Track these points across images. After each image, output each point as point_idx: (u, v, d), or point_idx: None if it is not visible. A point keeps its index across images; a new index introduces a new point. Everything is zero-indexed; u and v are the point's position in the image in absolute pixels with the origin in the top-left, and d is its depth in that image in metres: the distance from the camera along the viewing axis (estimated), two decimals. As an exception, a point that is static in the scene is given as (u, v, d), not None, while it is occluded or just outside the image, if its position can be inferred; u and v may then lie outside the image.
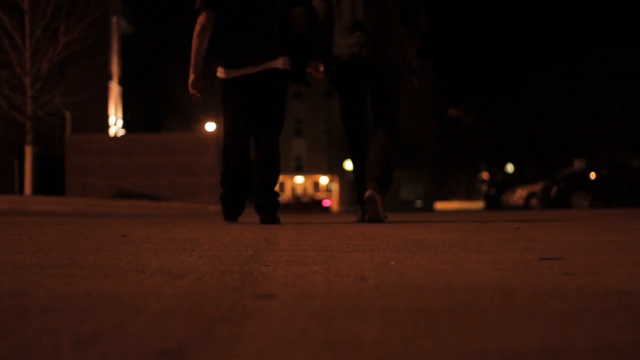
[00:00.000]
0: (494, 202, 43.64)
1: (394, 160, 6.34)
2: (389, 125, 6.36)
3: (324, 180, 77.63)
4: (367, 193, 6.10)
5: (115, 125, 39.10)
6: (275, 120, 6.22)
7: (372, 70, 6.28)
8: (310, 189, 75.75)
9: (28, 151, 20.83)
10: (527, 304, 1.35)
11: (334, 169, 77.14)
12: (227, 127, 6.32)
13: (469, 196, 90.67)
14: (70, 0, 22.42)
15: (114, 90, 39.40)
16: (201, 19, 6.10)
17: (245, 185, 6.38)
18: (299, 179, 75.62)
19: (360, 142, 6.46)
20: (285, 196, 72.46)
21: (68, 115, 30.34)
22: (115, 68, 39.82)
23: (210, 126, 54.66)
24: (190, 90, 6.24)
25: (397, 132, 6.40)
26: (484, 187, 75.44)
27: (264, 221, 6.09)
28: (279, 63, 6.13)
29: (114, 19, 39.46)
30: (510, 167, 80.00)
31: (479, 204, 73.38)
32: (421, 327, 1.12)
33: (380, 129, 6.34)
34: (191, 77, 6.20)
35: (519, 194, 31.43)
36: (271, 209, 6.09)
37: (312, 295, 1.50)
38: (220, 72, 6.27)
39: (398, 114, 6.44)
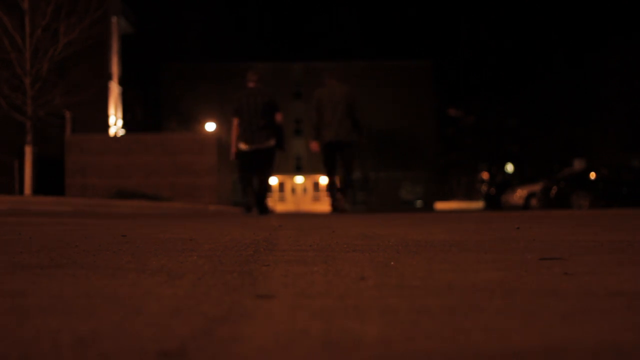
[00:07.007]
0: (494, 202, 43.58)
1: (351, 177, 12.72)
2: (346, 168, 12.66)
3: (324, 180, 77.69)
4: (339, 197, 12.63)
5: (115, 125, 39.08)
6: (269, 173, 12.18)
7: (337, 144, 12.54)
8: (310, 189, 75.70)
9: (28, 151, 20.83)
10: (527, 304, 1.35)
11: (334, 169, 76.83)
12: (241, 173, 12.13)
13: (469, 196, 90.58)
14: (71, 0, 22.35)
15: (114, 90, 39.39)
16: (234, 122, 12.18)
17: (252, 196, 12.10)
18: (299, 179, 75.58)
19: (333, 173, 12.65)
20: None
21: (68, 115, 30.34)
22: (115, 68, 39.81)
23: (210, 126, 54.60)
24: (231, 158, 12.40)
25: (353, 170, 12.75)
26: (484, 187, 75.42)
27: (261, 213, 12.02)
28: (271, 143, 12.14)
29: (114, 19, 39.45)
30: (510, 167, 79.95)
31: (479, 204, 73.33)
32: (421, 327, 1.12)
33: (342, 169, 12.66)
34: (232, 151, 12.26)
35: (519, 194, 31.40)
36: (265, 206, 12.14)
37: (312, 295, 1.49)
38: (242, 145, 12.09)
39: (353, 162, 12.72)
